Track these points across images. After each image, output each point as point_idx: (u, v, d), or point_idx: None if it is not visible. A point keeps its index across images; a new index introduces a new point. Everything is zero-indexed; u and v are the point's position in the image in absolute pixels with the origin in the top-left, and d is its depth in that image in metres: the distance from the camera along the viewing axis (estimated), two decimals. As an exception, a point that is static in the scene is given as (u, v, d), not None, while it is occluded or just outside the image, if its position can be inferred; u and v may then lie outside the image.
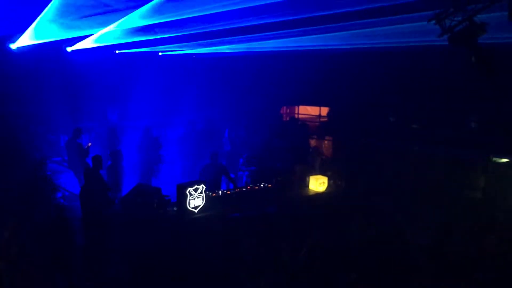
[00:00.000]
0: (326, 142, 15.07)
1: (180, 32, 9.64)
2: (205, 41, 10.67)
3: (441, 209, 8.76)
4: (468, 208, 9.04)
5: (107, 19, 8.36)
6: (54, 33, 9.01)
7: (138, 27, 8.79)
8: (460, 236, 7.47)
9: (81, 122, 11.97)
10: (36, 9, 7.44)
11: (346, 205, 9.04)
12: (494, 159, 10.10)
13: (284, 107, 17.03)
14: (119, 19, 8.15)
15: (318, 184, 10.06)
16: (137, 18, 7.99)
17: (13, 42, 9.36)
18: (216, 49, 12.55)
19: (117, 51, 11.90)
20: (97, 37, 9.50)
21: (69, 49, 10.62)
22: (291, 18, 8.55)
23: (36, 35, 8.84)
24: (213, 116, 14.06)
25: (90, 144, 10.81)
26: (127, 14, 7.85)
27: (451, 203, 9.19)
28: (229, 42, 10.93)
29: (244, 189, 9.78)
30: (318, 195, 9.94)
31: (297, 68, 14.02)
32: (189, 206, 8.15)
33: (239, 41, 10.64)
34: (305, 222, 8.12)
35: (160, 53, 13.15)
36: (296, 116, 16.42)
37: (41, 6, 7.27)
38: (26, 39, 9.11)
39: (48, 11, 7.35)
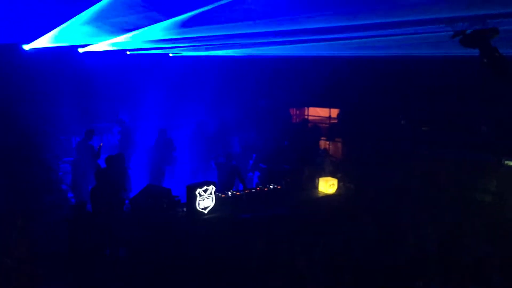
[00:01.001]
0: (336, 143, 15.03)
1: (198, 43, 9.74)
2: (217, 45, 10.69)
3: (452, 212, 8.70)
4: (479, 211, 8.97)
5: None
6: (79, 39, 8.97)
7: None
8: (470, 239, 7.42)
9: (92, 123, 12.05)
10: (55, 13, 7.44)
11: (356, 207, 9.02)
12: (506, 162, 10.01)
13: (294, 109, 17.02)
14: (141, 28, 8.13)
15: (327, 186, 10.04)
16: (159, 30, 7.95)
17: (27, 43, 9.40)
18: (227, 53, 12.57)
19: (128, 52, 11.95)
20: (114, 42, 9.49)
21: (81, 50, 10.67)
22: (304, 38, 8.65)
23: (58, 39, 8.67)
24: (223, 118, 14.09)
25: (101, 144, 10.89)
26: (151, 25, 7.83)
27: (462, 206, 9.13)
28: (241, 47, 10.94)
29: (253, 190, 9.80)
30: (327, 197, 9.92)
31: (307, 70, 14.01)
32: (199, 207, 8.19)
33: (251, 46, 10.63)
34: (314, 224, 8.12)
35: (170, 54, 13.19)
36: (306, 117, 16.41)
37: (61, 12, 7.27)
38: (44, 42, 9.04)
39: (78, 17, 7.26)
